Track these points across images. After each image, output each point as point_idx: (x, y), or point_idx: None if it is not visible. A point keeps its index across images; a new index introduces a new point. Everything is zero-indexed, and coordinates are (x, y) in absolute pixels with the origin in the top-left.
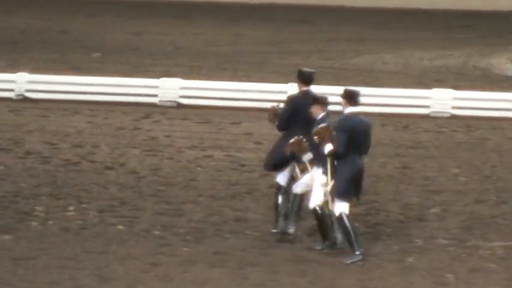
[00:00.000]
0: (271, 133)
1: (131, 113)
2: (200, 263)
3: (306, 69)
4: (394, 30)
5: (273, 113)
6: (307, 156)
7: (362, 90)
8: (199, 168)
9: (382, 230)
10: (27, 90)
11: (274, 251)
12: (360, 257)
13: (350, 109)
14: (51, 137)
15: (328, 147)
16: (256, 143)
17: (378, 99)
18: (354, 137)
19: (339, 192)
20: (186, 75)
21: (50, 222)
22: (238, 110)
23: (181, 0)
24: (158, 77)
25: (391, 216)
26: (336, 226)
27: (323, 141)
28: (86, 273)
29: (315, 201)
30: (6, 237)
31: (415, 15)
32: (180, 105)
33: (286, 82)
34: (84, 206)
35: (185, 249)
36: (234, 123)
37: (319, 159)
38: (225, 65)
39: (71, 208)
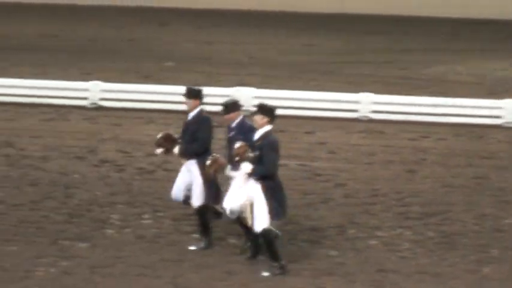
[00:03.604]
0: (345, 142)
1: None
2: None
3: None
4: (466, 40)
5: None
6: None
7: (436, 100)
8: None
9: (457, 240)
10: (101, 99)
11: (350, 260)
12: (282, 269)
13: (269, 127)
14: (125, 146)
15: (247, 167)
16: (330, 152)
17: (451, 109)
18: (279, 156)
19: (276, 214)
20: (260, 85)
21: (126, 230)
22: (311, 119)
23: (253, 9)
24: (232, 86)
25: (467, 227)
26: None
27: (241, 159)
28: (162, 281)
29: (262, 223)
30: (82, 245)
31: (487, 25)
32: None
33: (358, 92)
34: (159, 214)
35: (260, 258)
36: (307, 132)
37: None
38: (298, 75)
39: (147, 216)
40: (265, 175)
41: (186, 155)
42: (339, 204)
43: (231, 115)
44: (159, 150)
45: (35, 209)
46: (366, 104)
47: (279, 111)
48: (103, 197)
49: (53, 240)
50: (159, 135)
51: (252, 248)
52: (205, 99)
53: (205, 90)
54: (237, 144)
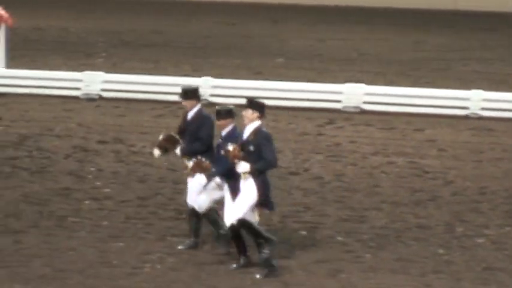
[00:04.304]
0: (454, 140)
1: (315, 118)
2: (383, 270)
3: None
4: None
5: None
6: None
7: None
8: (382, 175)
9: None
10: (212, 95)
11: (457, 258)
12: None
13: (259, 122)
14: None
15: (245, 166)
16: (440, 150)
17: None
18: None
19: (272, 205)
20: (370, 81)
21: None
22: (421, 116)
23: (363, 5)
24: (342, 82)
25: None
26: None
27: (237, 160)
28: (269, 279)
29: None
30: (189, 241)
31: None
32: (363, 111)
33: (469, 89)
34: (267, 211)
35: (368, 255)
36: (417, 129)
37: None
38: (408, 72)
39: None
40: (267, 169)
41: (188, 154)
42: (447, 202)
43: (222, 122)
44: (157, 152)
45: (142, 206)
46: (476, 101)
47: (388, 108)
48: None
49: (161, 236)
50: (160, 137)
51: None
52: (314, 96)
53: (315, 86)
54: (230, 147)
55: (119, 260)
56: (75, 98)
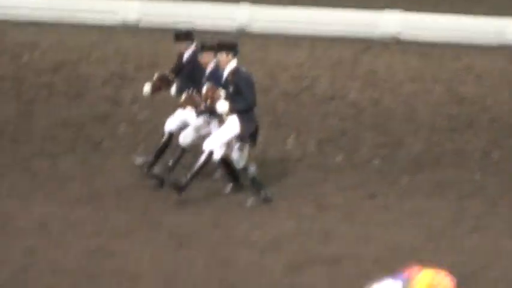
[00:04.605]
0: (492, 68)
1: (351, 46)
2: (419, 194)
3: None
4: None
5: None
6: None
7: None
8: (419, 102)
9: None
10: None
11: (493, 184)
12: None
13: (235, 61)
14: (271, 69)
15: (223, 105)
16: (477, 77)
17: None
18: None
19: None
20: (407, 9)
21: (270, 152)
22: (458, 44)
23: None
24: (379, 10)
25: None
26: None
27: (212, 101)
28: (305, 202)
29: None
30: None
31: None
32: (400, 39)
33: (507, 16)
34: (303, 137)
35: (404, 180)
36: (454, 58)
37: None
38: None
39: (290, 139)
40: (246, 109)
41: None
42: (484, 128)
43: (205, 59)
44: (146, 89)
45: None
46: None
47: (425, 36)
48: None
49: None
50: (155, 76)
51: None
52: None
53: (351, 14)
54: (204, 88)
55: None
56: (113, 26)
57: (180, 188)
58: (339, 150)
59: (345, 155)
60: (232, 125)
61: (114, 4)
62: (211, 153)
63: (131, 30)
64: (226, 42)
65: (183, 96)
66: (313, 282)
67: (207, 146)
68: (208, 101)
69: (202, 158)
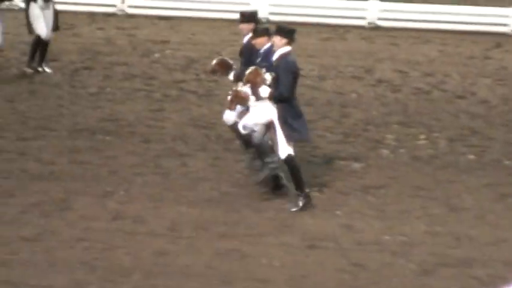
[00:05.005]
0: None
1: (482, 42)
2: None
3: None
4: None
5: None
6: (265, 91)
7: None
8: None
9: None
10: (379, 19)
11: None
12: (307, 199)
13: (287, 48)
14: (401, 66)
15: (265, 91)
16: None
17: None
18: (296, 78)
19: (286, 135)
20: None
21: (401, 150)
22: None
23: None
24: (509, 5)
25: None
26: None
27: (255, 86)
28: (436, 203)
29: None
30: (357, 165)
31: None
32: None
33: None
34: (435, 135)
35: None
36: None
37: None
38: None
39: (422, 137)
40: (281, 98)
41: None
42: None
43: (259, 40)
44: (214, 63)
45: (310, 129)
46: None
47: None
48: (378, 117)
49: (328, 159)
50: (214, 61)
51: (272, 178)
52: (481, 19)
53: (482, 10)
54: (248, 70)
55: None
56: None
57: (303, 197)
58: (470, 149)
59: (476, 154)
60: (267, 109)
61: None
62: (291, 158)
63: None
64: (284, 27)
65: (229, 97)
66: (444, 285)
67: (283, 155)
68: (249, 85)
69: (291, 169)
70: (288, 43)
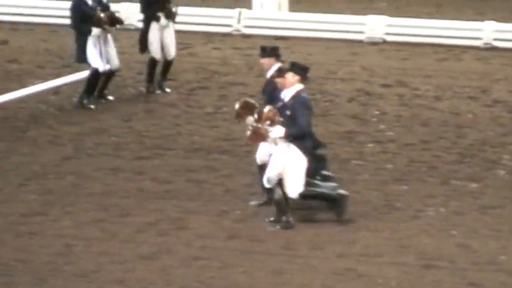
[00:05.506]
0: None
1: None
2: None
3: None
4: None
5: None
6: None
7: None
8: None
9: None
10: (495, 39)
11: None
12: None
13: (301, 85)
14: None
15: (280, 130)
16: None
17: None
18: (311, 115)
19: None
20: None
21: None
22: None
23: None
24: None
25: None
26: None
27: (273, 123)
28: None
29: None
30: (474, 185)
31: None
32: None
33: None
34: None
35: None
36: None
37: None
38: None
39: None
40: (300, 135)
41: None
42: None
43: (280, 80)
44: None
45: (426, 149)
46: None
47: None
48: (495, 137)
49: (444, 179)
50: (237, 105)
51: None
52: None
53: None
54: (266, 109)
55: (402, 203)
56: (359, 42)
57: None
58: None
59: None
60: (298, 158)
61: (361, 20)
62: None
63: (378, 46)
64: (298, 64)
65: (248, 133)
66: None
67: (294, 194)
68: (269, 122)
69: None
70: (301, 80)
